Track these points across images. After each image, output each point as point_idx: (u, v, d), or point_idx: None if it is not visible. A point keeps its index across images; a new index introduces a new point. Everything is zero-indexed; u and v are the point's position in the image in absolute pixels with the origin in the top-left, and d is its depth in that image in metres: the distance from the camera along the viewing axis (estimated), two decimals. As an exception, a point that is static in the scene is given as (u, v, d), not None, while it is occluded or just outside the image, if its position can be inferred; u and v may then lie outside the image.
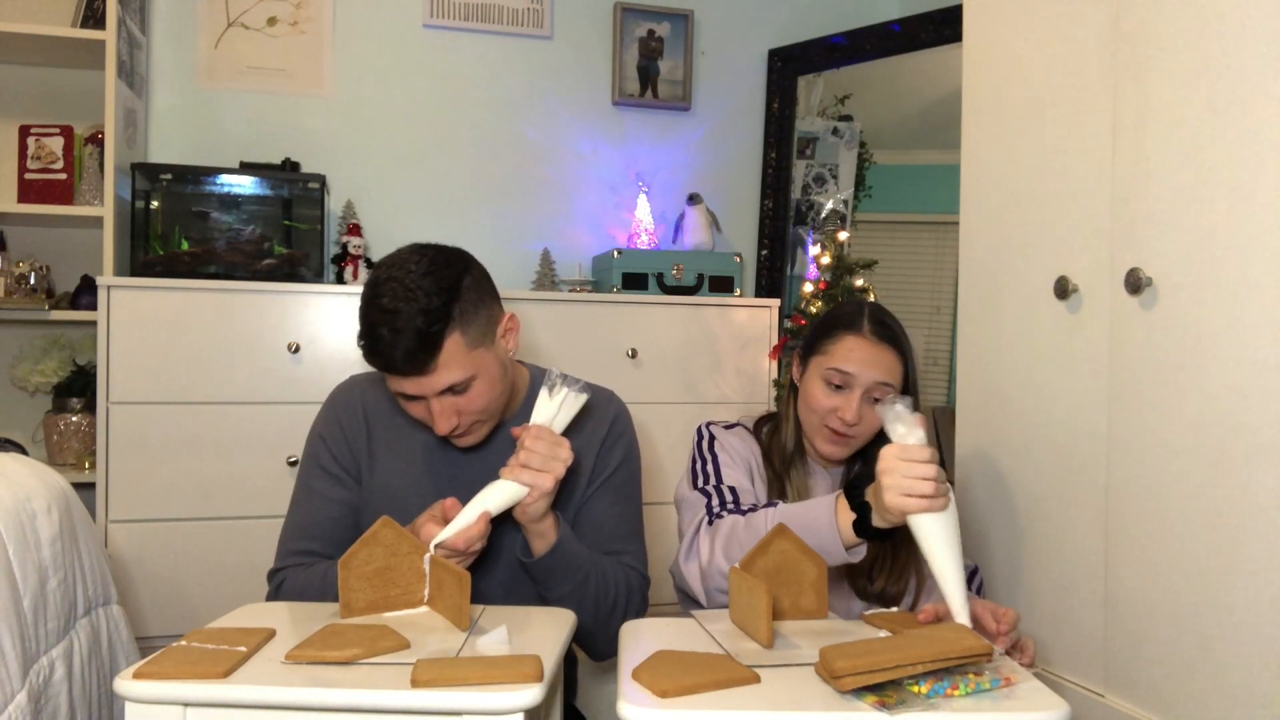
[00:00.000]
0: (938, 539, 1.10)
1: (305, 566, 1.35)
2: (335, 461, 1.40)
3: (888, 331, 1.44)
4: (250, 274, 2.31)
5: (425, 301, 1.23)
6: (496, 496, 1.22)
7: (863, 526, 1.17)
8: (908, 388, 1.45)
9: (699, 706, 0.86)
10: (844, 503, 1.19)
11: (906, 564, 1.43)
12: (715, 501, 1.39)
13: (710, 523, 1.36)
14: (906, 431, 1.14)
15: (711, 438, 1.51)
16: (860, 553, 1.21)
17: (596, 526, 1.41)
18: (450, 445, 1.38)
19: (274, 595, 1.36)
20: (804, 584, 1.16)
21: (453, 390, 1.27)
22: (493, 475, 1.27)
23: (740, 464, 1.47)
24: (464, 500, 1.24)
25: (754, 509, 1.33)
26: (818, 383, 1.43)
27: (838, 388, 1.41)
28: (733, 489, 1.41)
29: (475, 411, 1.30)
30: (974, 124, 1.75)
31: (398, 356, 1.23)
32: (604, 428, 1.44)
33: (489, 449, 1.40)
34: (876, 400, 1.41)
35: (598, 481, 1.43)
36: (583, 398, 1.27)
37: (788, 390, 1.54)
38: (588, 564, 1.32)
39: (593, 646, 1.40)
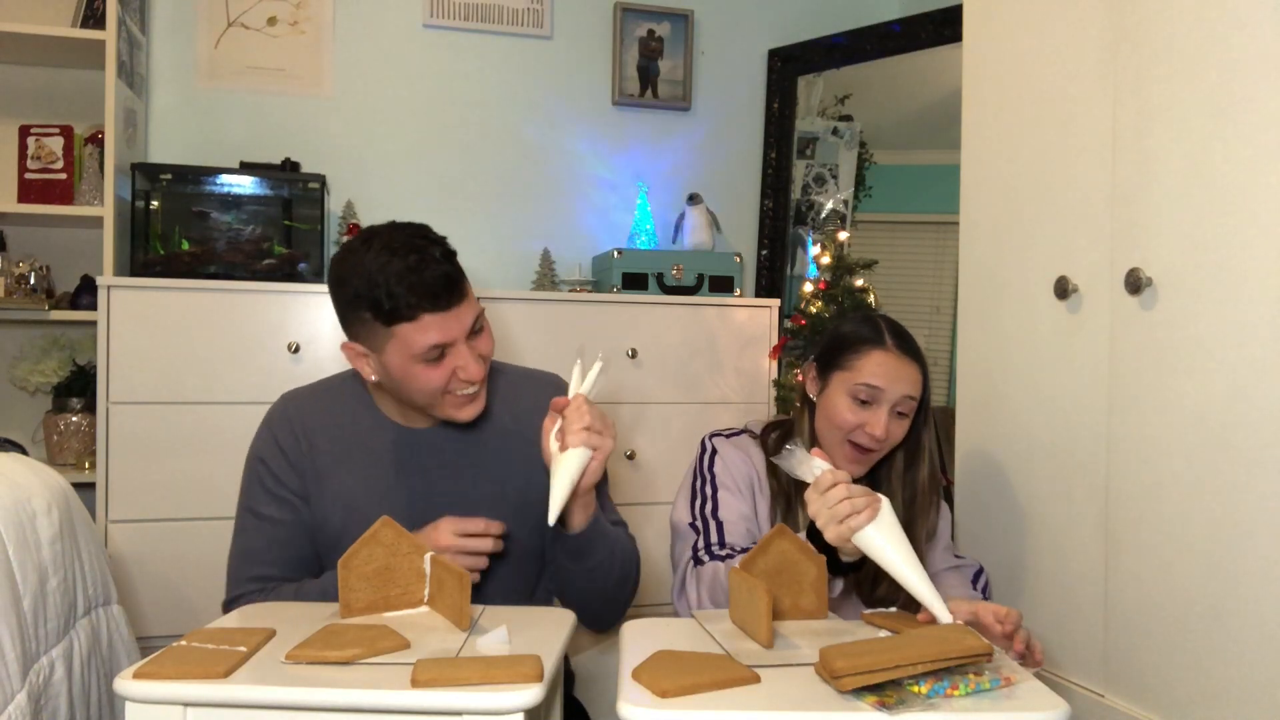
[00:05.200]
0: (881, 549, 1.12)
1: (264, 592, 1.34)
2: (280, 483, 1.37)
3: (910, 345, 1.45)
4: (250, 274, 2.31)
5: (439, 240, 1.29)
6: (569, 470, 1.22)
7: (836, 566, 1.21)
8: (925, 399, 1.46)
9: (699, 706, 0.86)
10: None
11: None
12: (701, 542, 1.41)
13: (696, 564, 1.38)
14: (806, 470, 1.18)
15: (713, 453, 1.50)
16: (837, 587, 1.24)
17: None
18: (407, 448, 1.37)
19: None
20: (804, 584, 1.16)
21: (474, 331, 1.30)
22: (453, 476, 1.29)
23: (742, 484, 1.47)
24: (440, 512, 1.27)
25: (731, 554, 1.35)
26: (843, 399, 1.42)
27: (864, 403, 1.41)
28: (720, 524, 1.42)
29: (488, 356, 1.34)
30: (974, 124, 1.75)
31: (439, 283, 1.24)
32: (548, 414, 1.37)
33: (449, 450, 1.38)
34: (900, 414, 1.42)
35: None
36: (600, 363, 1.34)
37: (801, 404, 1.53)
38: (610, 530, 1.35)
39: (601, 618, 1.39)
